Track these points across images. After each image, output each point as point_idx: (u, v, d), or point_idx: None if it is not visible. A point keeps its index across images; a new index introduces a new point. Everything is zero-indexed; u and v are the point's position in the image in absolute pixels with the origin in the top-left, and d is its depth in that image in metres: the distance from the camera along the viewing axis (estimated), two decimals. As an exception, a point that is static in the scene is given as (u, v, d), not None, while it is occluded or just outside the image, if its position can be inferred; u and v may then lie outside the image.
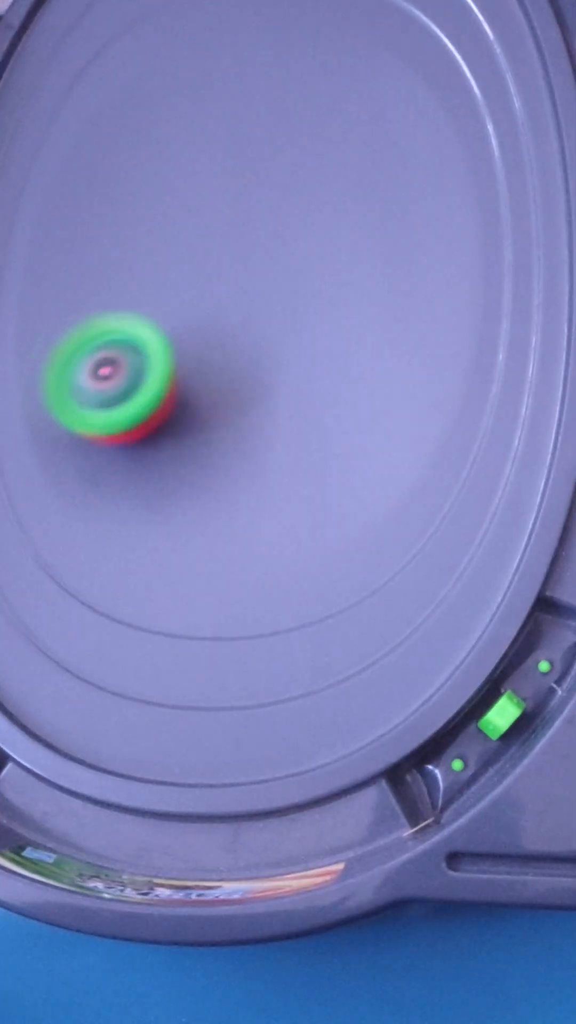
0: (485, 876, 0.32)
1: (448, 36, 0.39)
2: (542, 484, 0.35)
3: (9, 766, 0.36)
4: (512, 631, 0.34)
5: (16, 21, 0.43)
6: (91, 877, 0.34)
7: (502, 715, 0.34)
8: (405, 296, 0.38)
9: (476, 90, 0.39)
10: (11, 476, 0.39)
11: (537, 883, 0.32)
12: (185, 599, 0.37)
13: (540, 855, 0.32)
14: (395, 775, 0.34)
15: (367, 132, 0.39)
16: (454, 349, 0.37)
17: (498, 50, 0.39)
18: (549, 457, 0.35)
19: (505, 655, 0.34)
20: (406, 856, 0.32)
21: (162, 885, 0.34)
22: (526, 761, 0.33)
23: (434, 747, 0.34)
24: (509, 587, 0.35)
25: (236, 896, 0.33)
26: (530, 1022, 0.37)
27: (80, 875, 0.34)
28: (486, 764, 0.34)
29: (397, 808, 0.34)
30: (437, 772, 0.34)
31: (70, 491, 0.39)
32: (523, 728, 0.34)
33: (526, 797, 0.32)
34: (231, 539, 0.37)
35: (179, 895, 0.34)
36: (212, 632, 0.37)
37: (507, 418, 0.36)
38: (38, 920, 0.34)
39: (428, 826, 0.33)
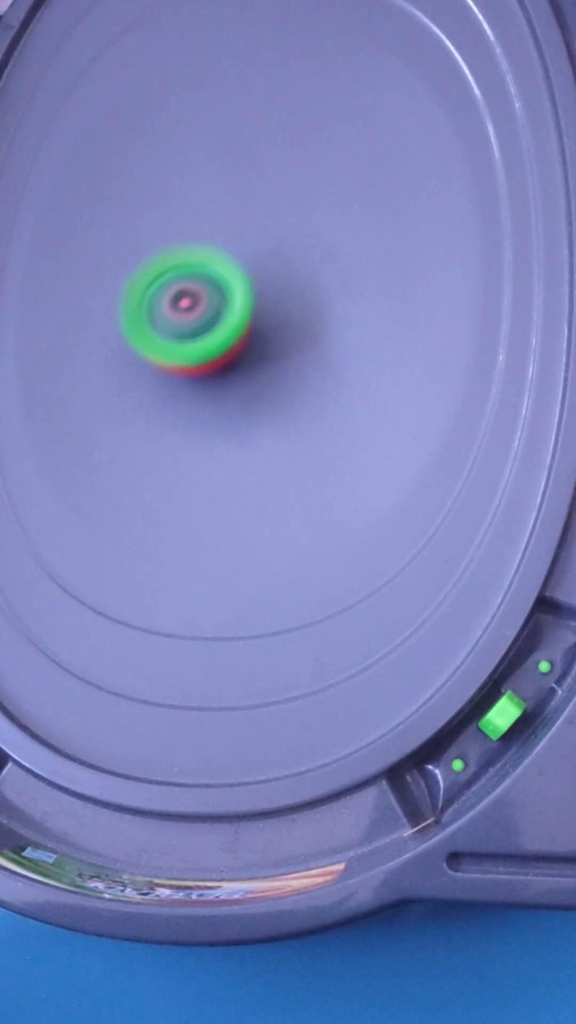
0: (485, 876, 0.32)
1: (448, 36, 0.39)
2: (542, 484, 0.35)
3: (9, 766, 0.36)
4: (512, 631, 0.34)
5: (16, 21, 0.43)
6: (91, 877, 0.34)
7: (502, 715, 0.34)
8: (405, 296, 0.38)
9: (476, 90, 0.39)
10: (11, 476, 0.39)
11: (537, 883, 0.32)
12: (185, 599, 0.37)
13: (540, 855, 0.32)
14: (395, 775, 0.34)
15: (367, 132, 0.39)
16: (454, 349, 0.37)
17: (498, 50, 0.39)
18: (549, 457, 0.35)
19: (505, 655, 0.34)
20: (406, 856, 0.32)
21: (162, 885, 0.34)
22: (527, 761, 0.33)
23: (434, 747, 0.34)
24: (509, 587, 0.35)
25: (236, 896, 0.33)
26: (530, 1022, 0.37)
27: (80, 875, 0.34)
28: (486, 764, 0.34)
29: (397, 808, 0.34)
30: (437, 772, 0.34)
31: (70, 491, 0.39)
32: (523, 728, 0.34)
33: (526, 797, 0.32)
34: (231, 539, 0.37)
35: (179, 895, 0.34)
36: (212, 632, 0.37)
37: (507, 418, 0.36)
38: (38, 920, 0.34)
39: (428, 826, 0.33)
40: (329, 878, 0.33)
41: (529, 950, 0.37)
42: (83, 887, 0.34)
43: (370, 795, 0.34)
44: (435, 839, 0.32)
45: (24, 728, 0.36)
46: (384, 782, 0.34)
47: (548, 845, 0.32)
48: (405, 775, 0.34)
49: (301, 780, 0.34)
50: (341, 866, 0.33)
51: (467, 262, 0.38)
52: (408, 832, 0.34)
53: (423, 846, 0.32)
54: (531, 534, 0.35)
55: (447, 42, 0.39)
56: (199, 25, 0.42)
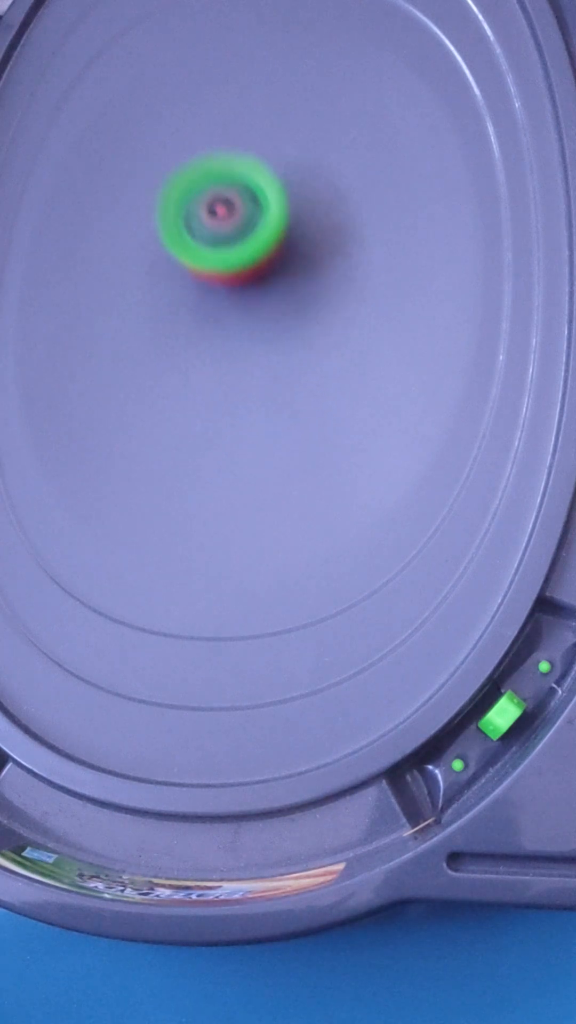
0: (485, 876, 0.32)
1: (448, 37, 0.39)
2: (542, 485, 0.35)
3: (9, 766, 0.36)
4: (512, 631, 0.34)
5: (16, 21, 0.43)
6: (91, 877, 0.34)
7: (502, 715, 0.34)
8: (405, 297, 0.38)
9: (476, 91, 0.39)
10: (11, 476, 0.39)
11: (537, 883, 0.32)
12: (185, 599, 0.37)
13: (540, 855, 0.32)
14: (395, 775, 0.34)
15: (367, 132, 0.39)
16: (454, 349, 0.37)
17: (498, 51, 0.39)
18: (549, 458, 0.35)
19: (505, 655, 0.34)
20: (406, 856, 0.32)
21: (162, 885, 0.34)
22: (526, 761, 0.33)
23: (434, 747, 0.34)
24: (509, 587, 0.35)
25: (236, 896, 0.33)
26: (530, 1022, 0.37)
27: (80, 875, 0.34)
28: (486, 764, 0.34)
29: (397, 808, 0.34)
30: (437, 772, 0.34)
31: (70, 490, 0.39)
32: (523, 728, 0.34)
33: (526, 797, 0.32)
34: (231, 539, 0.37)
35: (179, 895, 0.34)
36: (212, 632, 0.37)
37: (507, 419, 0.36)
38: (38, 920, 0.34)
39: (428, 826, 0.33)
40: (329, 878, 0.33)
41: (529, 950, 0.37)
42: (83, 887, 0.34)
43: (370, 795, 0.34)
44: (435, 839, 0.32)
45: (24, 728, 0.36)
46: (384, 782, 0.34)
47: (548, 845, 0.32)
48: (405, 775, 0.34)
49: (301, 780, 0.34)
50: (341, 866, 0.33)
51: (467, 262, 0.38)
52: (408, 832, 0.34)
53: (423, 846, 0.32)
54: (531, 534, 0.35)
55: (447, 42, 0.39)
56: (199, 25, 0.42)
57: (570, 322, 0.36)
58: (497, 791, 0.33)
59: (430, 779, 0.34)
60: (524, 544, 0.35)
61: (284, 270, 0.39)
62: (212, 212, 0.37)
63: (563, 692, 0.34)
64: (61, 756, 0.36)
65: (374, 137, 0.39)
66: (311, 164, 0.40)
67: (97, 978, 0.39)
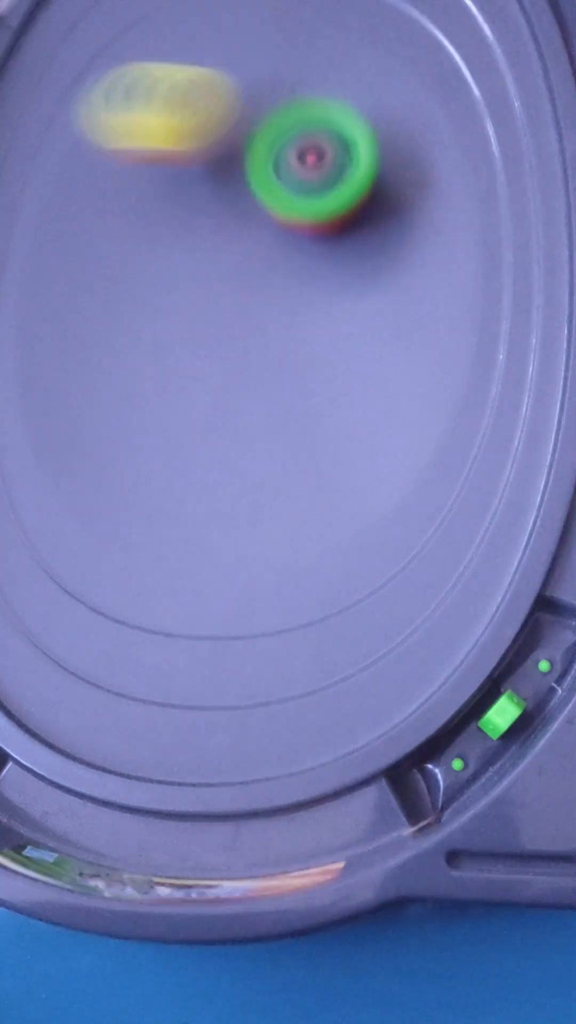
0: (485, 875, 0.32)
1: (448, 38, 0.39)
2: (542, 484, 0.35)
3: (9, 765, 0.36)
4: (512, 631, 0.34)
5: (15, 21, 0.43)
6: (91, 876, 0.34)
7: (502, 715, 0.34)
8: (405, 297, 0.38)
9: (476, 91, 0.39)
10: (10, 475, 0.39)
11: (537, 882, 0.32)
12: (184, 598, 0.37)
13: (540, 854, 0.32)
14: (395, 774, 0.34)
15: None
16: (454, 349, 0.37)
17: (498, 52, 0.39)
18: (549, 457, 0.35)
19: (505, 655, 0.34)
20: (406, 855, 0.32)
21: (162, 884, 0.34)
22: (526, 760, 0.33)
23: (434, 746, 0.34)
24: (509, 587, 0.35)
25: (236, 895, 0.33)
26: (530, 1022, 0.37)
27: (80, 874, 0.34)
28: (486, 763, 0.34)
29: (397, 807, 0.34)
30: (437, 771, 0.34)
31: (70, 490, 0.39)
32: (523, 728, 0.34)
33: (526, 796, 0.32)
34: (231, 539, 0.37)
35: (179, 894, 0.34)
36: (212, 631, 0.37)
37: (507, 418, 0.36)
38: (38, 919, 0.34)
39: (428, 825, 0.33)
40: (329, 877, 0.33)
41: (529, 950, 0.37)
42: (83, 886, 0.34)
43: (370, 794, 0.34)
44: (435, 838, 0.32)
45: (24, 727, 0.36)
46: (384, 781, 0.34)
47: (548, 844, 0.32)
48: (405, 774, 0.34)
49: (301, 779, 0.34)
50: (341, 865, 0.33)
51: (467, 262, 0.38)
52: (408, 831, 0.34)
53: (423, 845, 0.32)
54: (531, 533, 0.35)
55: (447, 44, 0.39)
56: (197, 25, 0.42)
57: (570, 321, 0.36)
58: (497, 790, 0.33)
59: (430, 778, 0.34)
60: (524, 543, 0.35)
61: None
62: (302, 159, 0.37)
63: (563, 691, 0.34)
64: (61, 755, 0.36)
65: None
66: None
67: (97, 977, 0.39)
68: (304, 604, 0.36)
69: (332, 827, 0.34)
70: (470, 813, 0.33)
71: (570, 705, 0.33)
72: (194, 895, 0.34)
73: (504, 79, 0.38)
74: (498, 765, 0.34)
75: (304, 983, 0.38)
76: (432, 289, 0.38)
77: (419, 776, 0.34)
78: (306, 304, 0.39)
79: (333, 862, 0.34)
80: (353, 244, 0.39)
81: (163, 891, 0.34)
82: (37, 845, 0.35)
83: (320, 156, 0.37)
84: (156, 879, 0.34)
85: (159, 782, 0.35)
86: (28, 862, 0.35)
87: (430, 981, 0.37)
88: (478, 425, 0.36)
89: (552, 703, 0.34)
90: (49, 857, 0.35)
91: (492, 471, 0.36)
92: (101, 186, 0.41)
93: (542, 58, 0.38)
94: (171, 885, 0.34)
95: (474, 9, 0.39)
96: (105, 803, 0.35)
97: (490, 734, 0.34)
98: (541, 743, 0.33)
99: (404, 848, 0.33)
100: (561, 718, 0.33)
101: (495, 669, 0.34)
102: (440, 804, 0.34)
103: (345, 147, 0.37)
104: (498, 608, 0.34)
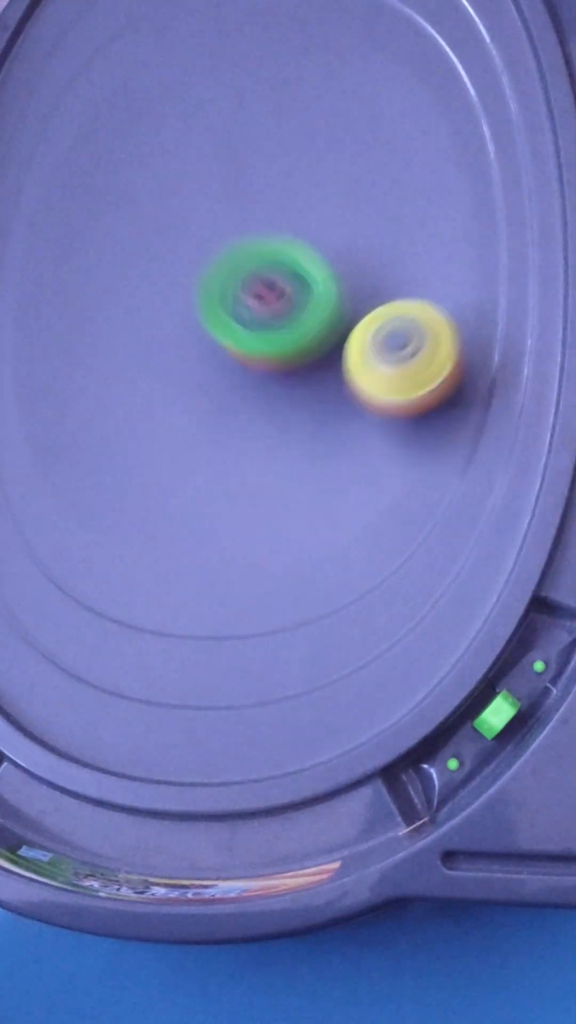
0: (480, 874, 0.32)
1: (444, 38, 0.39)
2: (537, 485, 0.35)
3: (5, 765, 0.36)
4: (507, 631, 0.34)
5: (13, 21, 0.43)
6: (87, 876, 0.34)
7: (497, 715, 0.34)
8: (403, 296, 0.38)
9: (472, 91, 0.39)
10: (8, 475, 0.39)
11: (532, 881, 0.32)
12: (181, 598, 0.37)
13: (535, 854, 0.32)
14: (391, 774, 0.34)
15: (364, 133, 0.39)
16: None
17: (494, 52, 0.39)
18: (544, 458, 0.35)
19: (500, 655, 0.34)
20: (401, 855, 0.32)
21: (158, 884, 0.34)
22: (521, 760, 0.33)
23: (429, 746, 0.34)
24: (504, 587, 0.35)
25: (232, 895, 0.33)
26: (527, 1020, 0.37)
27: (76, 874, 0.34)
28: (481, 763, 0.34)
29: (393, 807, 0.34)
30: (432, 771, 0.34)
31: (66, 491, 0.39)
32: (518, 728, 0.34)
33: (521, 796, 0.33)
34: (227, 539, 0.37)
35: (175, 894, 0.34)
36: (208, 631, 0.37)
37: (502, 418, 0.36)
38: (34, 919, 0.34)
39: (423, 825, 0.34)
40: (325, 877, 0.33)
41: (524, 948, 0.37)
42: (79, 886, 0.34)
43: (365, 794, 0.34)
44: (430, 838, 0.32)
45: (19, 727, 0.36)
46: (379, 781, 0.34)
47: (543, 843, 0.32)
48: (400, 774, 0.34)
49: (297, 779, 0.34)
50: (336, 865, 0.33)
51: (463, 261, 0.38)
52: (403, 831, 0.34)
53: (418, 845, 0.33)
54: (526, 534, 0.35)
55: (443, 44, 0.39)
56: (196, 25, 0.42)
57: (565, 321, 0.36)
58: (492, 790, 0.33)
59: (425, 778, 0.34)
60: (519, 544, 0.35)
61: None
62: (258, 296, 0.36)
63: (558, 691, 0.34)
64: (57, 755, 0.36)
65: (369, 137, 0.39)
66: (307, 164, 0.40)
67: (94, 977, 0.39)
68: (299, 604, 0.36)
69: (328, 827, 0.34)
70: (465, 813, 0.33)
71: (565, 705, 0.33)
72: (189, 895, 0.34)
73: (500, 80, 0.39)
74: (493, 765, 0.34)
75: (304, 983, 0.38)
76: (430, 289, 0.38)
77: (414, 776, 0.34)
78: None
79: (329, 862, 0.34)
80: (355, 249, 0.39)
81: (159, 891, 0.34)
82: (32, 845, 0.35)
83: (278, 293, 0.36)
84: (152, 879, 0.34)
85: (155, 782, 0.35)
86: (23, 862, 0.35)
87: (430, 981, 0.37)
88: (473, 425, 0.36)
89: (547, 703, 0.34)
90: (44, 857, 0.35)
91: (487, 471, 0.36)
92: (98, 187, 0.41)
93: (537, 59, 0.38)
94: (166, 885, 0.34)
95: (470, 10, 0.39)
96: (101, 803, 0.35)
97: (485, 734, 0.34)
98: (536, 743, 0.33)
99: (399, 848, 0.33)
100: (556, 718, 0.33)
101: (490, 669, 0.34)
102: (435, 804, 0.34)
103: (302, 284, 0.37)
104: (493, 608, 0.35)
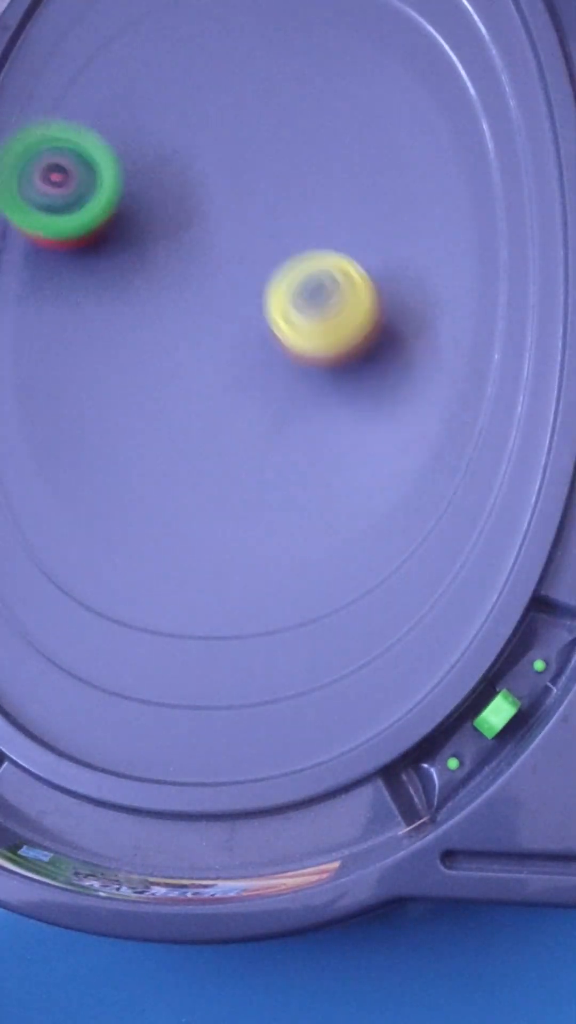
0: (480, 874, 0.32)
1: (444, 37, 0.39)
2: (537, 484, 0.35)
3: (5, 765, 0.36)
4: (507, 630, 0.34)
5: (13, 21, 0.43)
6: (87, 876, 0.34)
7: (497, 714, 0.34)
8: (402, 296, 0.38)
9: (472, 91, 0.39)
10: (7, 475, 0.39)
11: (533, 881, 0.32)
12: (180, 598, 0.37)
13: (535, 853, 0.32)
14: (390, 773, 0.34)
15: (364, 133, 0.39)
16: (451, 349, 0.37)
17: (494, 51, 0.39)
18: (544, 457, 0.35)
19: (500, 654, 0.34)
20: (401, 854, 0.32)
21: (158, 883, 0.34)
22: (521, 759, 0.33)
23: (429, 746, 0.34)
24: (504, 586, 0.35)
25: (232, 894, 0.33)
26: (527, 1020, 0.37)
27: (76, 874, 0.34)
28: (481, 762, 0.34)
29: (392, 806, 0.34)
30: (432, 770, 0.34)
31: (66, 490, 0.39)
32: (518, 727, 0.34)
33: (521, 795, 0.33)
34: (227, 538, 0.37)
35: (175, 893, 0.34)
36: (207, 631, 0.37)
37: (503, 418, 0.36)
38: (34, 919, 0.34)
39: (423, 824, 0.34)
40: (324, 876, 0.33)
41: (525, 948, 0.37)
42: (79, 886, 0.34)
43: (365, 793, 0.34)
44: (430, 837, 0.32)
45: (20, 727, 0.36)
46: (379, 780, 0.34)
47: (543, 843, 0.32)
48: (400, 773, 0.34)
49: (296, 778, 0.34)
50: (336, 864, 0.33)
51: (463, 260, 0.38)
52: (403, 830, 0.34)
53: (418, 844, 0.33)
54: (526, 533, 0.35)
55: (443, 44, 0.39)
56: (196, 25, 0.42)
57: (565, 320, 0.36)
58: (492, 789, 0.33)
59: (425, 777, 0.34)
60: (519, 543, 0.35)
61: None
62: (48, 179, 0.38)
63: (558, 690, 0.34)
64: (57, 755, 0.36)
65: (369, 137, 0.39)
66: (306, 163, 0.40)
67: (94, 977, 0.39)
68: (299, 604, 0.36)
69: (327, 826, 0.34)
70: (465, 812, 0.33)
71: (565, 704, 0.33)
72: (189, 895, 0.34)
73: (500, 80, 0.39)
74: (493, 764, 0.34)
75: (304, 983, 0.38)
76: (429, 290, 0.38)
77: (414, 775, 0.34)
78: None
79: (328, 862, 0.34)
80: (354, 249, 0.39)
81: (158, 891, 0.34)
82: (32, 845, 0.35)
83: (65, 176, 0.38)
84: (151, 879, 0.34)
85: (154, 781, 0.35)
86: (23, 862, 0.35)
87: (429, 981, 0.37)
88: (474, 424, 0.36)
89: (547, 702, 0.34)
90: (44, 856, 0.35)
91: (488, 471, 0.36)
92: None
93: (537, 58, 0.38)
94: (166, 884, 0.34)
95: (470, 10, 0.39)
96: (101, 803, 0.35)
97: (485, 733, 0.34)
98: (536, 742, 0.33)
99: (399, 847, 0.33)
100: (556, 717, 0.33)
101: (490, 668, 0.34)
102: (435, 803, 0.34)
103: (90, 169, 0.39)
104: (493, 607, 0.35)
